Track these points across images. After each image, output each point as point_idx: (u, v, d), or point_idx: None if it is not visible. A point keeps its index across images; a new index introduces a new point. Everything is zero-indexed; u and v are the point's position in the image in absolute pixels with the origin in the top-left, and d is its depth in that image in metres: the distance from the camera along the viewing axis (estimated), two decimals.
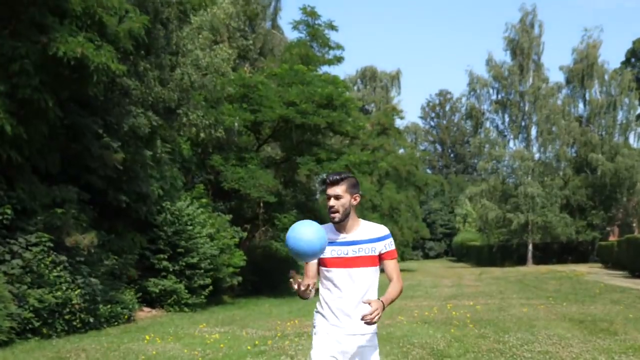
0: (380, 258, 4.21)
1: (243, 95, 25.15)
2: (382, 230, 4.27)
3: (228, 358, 9.48)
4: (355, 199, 4.19)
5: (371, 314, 3.84)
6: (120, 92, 16.92)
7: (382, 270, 4.31)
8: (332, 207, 4.11)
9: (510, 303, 17.20)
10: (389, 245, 4.24)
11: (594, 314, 13.85)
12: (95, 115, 15.80)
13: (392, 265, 4.25)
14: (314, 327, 4.30)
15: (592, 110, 53.28)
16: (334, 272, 4.14)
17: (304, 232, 3.84)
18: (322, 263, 4.19)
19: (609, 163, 50.20)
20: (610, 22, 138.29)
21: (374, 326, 4.09)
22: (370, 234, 4.19)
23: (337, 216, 4.11)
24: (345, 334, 4.13)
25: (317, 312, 4.30)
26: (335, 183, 4.12)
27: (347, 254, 4.12)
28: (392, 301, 4.16)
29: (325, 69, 33.39)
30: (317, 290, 4.18)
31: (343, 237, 4.18)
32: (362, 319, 3.87)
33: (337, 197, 4.10)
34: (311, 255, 3.91)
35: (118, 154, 15.74)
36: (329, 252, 4.10)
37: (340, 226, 4.19)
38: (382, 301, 4.00)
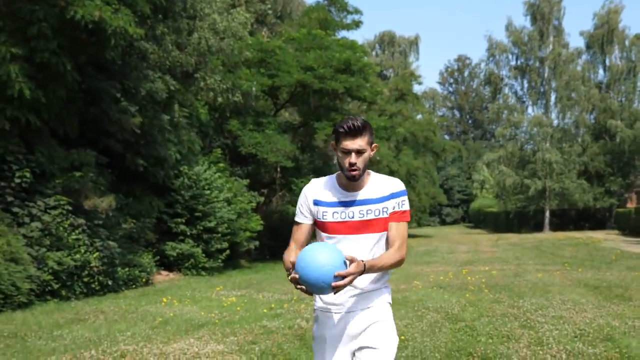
0: (389, 218, 3.33)
1: (260, 59, 25.09)
2: (397, 184, 3.36)
3: (244, 321, 9.54)
4: (373, 150, 3.30)
5: (342, 281, 3.03)
6: (137, 56, 16.92)
7: None
8: (354, 164, 3.18)
9: (526, 269, 17.14)
10: (402, 204, 3.34)
11: (609, 280, 13.77)
12: (113, 79, 15.84)
13: (399, 229, 3.33)
14: (314, 309, 3.48)
15: (612, 76, 52.65)
16: (337, 239, 3.28)
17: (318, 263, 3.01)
18: (322, 228, 3.37)
19: (628, 130, 49.68)
20: None
21: (386, 297, 3.40)
22: (381, 191, 3.31)
23: (358, 174, 3.22)
24: (350, 311, 3.31)
25: None
26: (358, 133, 3.18)
27: (353, 217, 3.28)
28: (379, 269, 3.27)
29: (343, 33, 33.23)
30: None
31: (349, 195, 3.31)
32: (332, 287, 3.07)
33: (360, 152, 3.19)
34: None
35: (136, 118, 15.81)
36: (331, 215, 3.30)
37: (349, 183, 3.31)
38: (364, 263, 3.12)
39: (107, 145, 15.92)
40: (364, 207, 3.28)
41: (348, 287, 3.12)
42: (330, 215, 3.31)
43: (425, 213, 55.80)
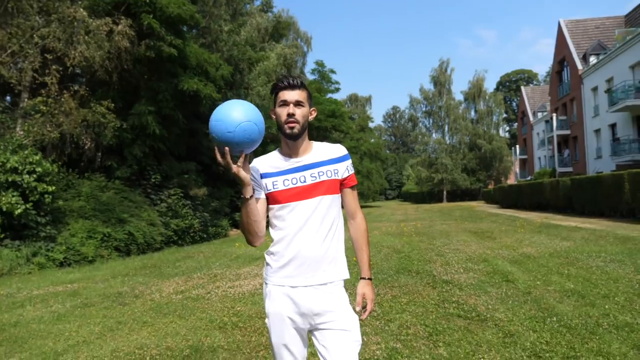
0: (341, 185, 1.83)
1: None
2: (341, 149, 1.87)
3: None
4: (312, 114, 1.85)
5: (370, 311, 1.85)
6: None
7: None
8: (293, 115, 1.74)
9: (435, 223, 17.08)
10: (351, 167, 1.87)
11: (482, 228, 13.76)
12: (204, 122, 15.87)
13: (354, 195, 1.88)
14: (265, 284, 1.82)
15: (479, 115, 52.69)
16: (290, 208, 1.75)
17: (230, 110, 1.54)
18: (272, 199, 1.79)
19: (488, 145, 50.16)
20: (493, 63, 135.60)
21: (343, 272, 1.80)
22: (328, 154, 1.82)
23: (297, 127, 1.74)
24: (307, 286, 1.73)
25: (268, 264, 1.83)
26: (296, 87, 1.77)
27: (304, 181, 1.76)
28: (369, 257, 1.92)
29: (330, 95, 33.22)
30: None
31: (296, 161, 1.79)
32: (363, 315, 1.83)
33: (299, 104, 1.76)
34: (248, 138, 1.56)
35: None
36: (281, 183, 1.77)
37: (292, 148, 1.79)
38: (370, 279, 1.87)
39: (201, 159, 15.94)
40: (315, 170, 1.79)
41: (311, 258, 1.74)
42: (280, 183, 1.78)
43: (377, 193, 55.73)
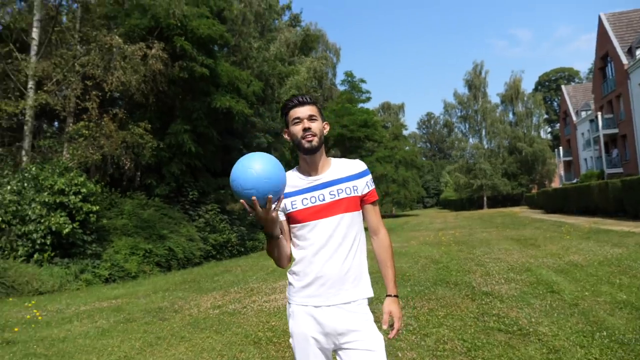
0: (362, 201, 1.80)
1: None
2: (361, 164, 1.84)
3: None
4: (325, 127, 1.80)
5: (398, 329, 1.80)
6: (250, 124, 17.25)
7: None
8: (309, 129, 1.72)
9: (475, 231, 16.64)
10: (371, 183, 1.82)
11: (525, 235, 13.29)
12: (238, 138, 16.17)
13: (375, 211, 1.85)
14: (289, 304, 1.80)
15: (518, 117, 51.23)
16: (311, 226, 1.72)
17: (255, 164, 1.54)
18: (292, 219, 1.76)
19: (529, 148, 48.56)
20: (530, 63, 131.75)
21: (366, 290, 1.76)
22: (347, 171, 1.78)
23: (316, 140, 1.72)
24: (330, 305, 1.70)
25: (291, 284, 1.80)
26: (306, 102, 1.76)
27: (323, 199, 1.72)
28: (395, 272, 1.86)
29: (361, 105, 33.26)
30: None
31: (315, 179, 1.75)
32: (390, 336, 1.78)
33: (312, 118, 1.74)
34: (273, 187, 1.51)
35: None
36: (300, 202, 1.73)
37: (311, 165, 1.76)
38: (396, 296, 1.83)
39: None
40: (334, 187, 1.75)
41: (333, 277, 1.70)
42: (299, 202, 1.74)
43: (414, 202, 54.90)
